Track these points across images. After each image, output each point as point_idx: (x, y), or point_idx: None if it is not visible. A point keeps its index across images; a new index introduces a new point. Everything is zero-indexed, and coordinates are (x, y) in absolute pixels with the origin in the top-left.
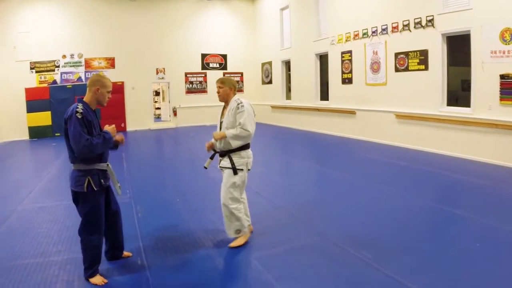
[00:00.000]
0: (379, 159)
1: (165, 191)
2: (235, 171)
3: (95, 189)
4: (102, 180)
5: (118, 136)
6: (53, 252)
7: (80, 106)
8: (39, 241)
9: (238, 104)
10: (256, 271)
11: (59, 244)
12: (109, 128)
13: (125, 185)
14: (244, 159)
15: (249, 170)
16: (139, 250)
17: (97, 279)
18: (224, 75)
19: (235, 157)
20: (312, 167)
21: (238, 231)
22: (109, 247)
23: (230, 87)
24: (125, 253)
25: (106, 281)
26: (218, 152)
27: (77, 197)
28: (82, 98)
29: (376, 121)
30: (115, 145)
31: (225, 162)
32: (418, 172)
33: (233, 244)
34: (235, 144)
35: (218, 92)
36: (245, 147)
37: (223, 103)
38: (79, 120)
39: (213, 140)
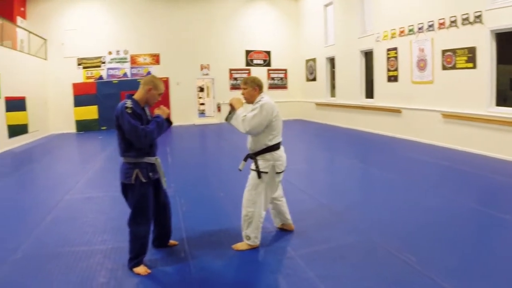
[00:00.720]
0: (424, 159)
1: (209, 185)
2: (259, 174)
3: (143, 181)
4: (150, 173)
5: (161, 111)
6: (98, 241)
7: (128, 102)
8: (85, 230)
9: (257, 101)
10: (299, 269)
11: (104, 233)
12: (159, 110)
13: (169, 179)
14: (269, 162)
15: (279, 172)
16: (183, 243)
17: (141, 269)
18: (268, 71)
19: (260, 160)
20: (356, 166)
21: (247, 238)
22: (156, 235)
23: (254, 87)
24: (171, 241)
25: (149, 271)
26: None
27: (126, 189)
28: (132, 94)
29: (421, 120)
30: (169, 122)
31: (252, 165)
32: (463, 174)
33: (236, 246)
34: (229, 120)
35: (242, 94)
36: (271, 148)
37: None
38: (130, 114)
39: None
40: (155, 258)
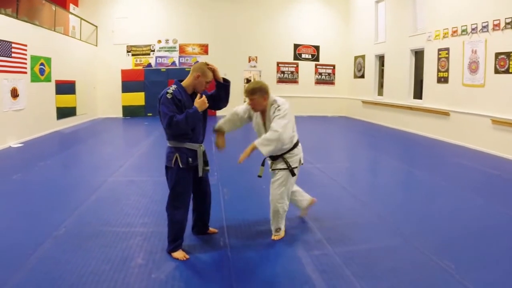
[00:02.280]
0: (471, 165)
1: (252, 176)
2: (292, 172)
3: (181, 166)
4: (190, 159)
5: (197, 103)
6: (139, 224)
7: (172, 87)
8: (126, 212)
9: (276, 107)
10: (336, 266)
11: (146, 216)
12: (197, 102)
13: (213, 167)
14: (297, 156)
15: (302, 164)
16: (223, 231)
17: (179, 254)
18: (316, 66)
19: (290, 158)
20: (400, 167)
21: (278, 230)
22: (195, 222)
23: (263, 95)
24: (211, 229)
25: (187, 256)
26: (266, 157)
27: (167, 172)
28: (181, 81)
29: (470, 125)
30: (203, 113)
31: (280, 164)
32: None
33: (274, 237)
34: (266, 150)
35: (251, 105)
36: (296, 144)
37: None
38: (169, 99)
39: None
40: (194, 245)
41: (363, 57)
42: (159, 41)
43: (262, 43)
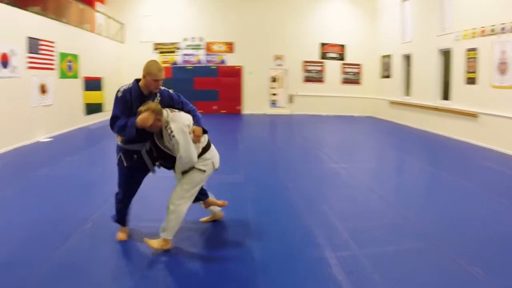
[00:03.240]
0: (501, 169)
1: (277, 175)
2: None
3: (125, 165)
4: (135, 156)
5: (139, 118)
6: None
7: (126, 85)
8: (154, 207)
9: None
10: (363, 268)
11: None
12: (139, 117)
13: (239, 166)
14: (208, 160)
15: (216, 169)
16: (249, 229)
17: (119, 234)
18: (342, 66)
19: (200, 162)
20: (427, 169)
21: (164, 232)
22: None
23: (158, 117)
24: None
25: (124, 239)
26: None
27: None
28: (139, 79)
29: (500, 127)
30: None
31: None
32: None
33: (149, 240)
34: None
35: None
36: (205, 148)
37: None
38: (118, 98)
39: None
40: (217, 241)
41: (389, 56)
42: (185, 39)
43: (288, 42)
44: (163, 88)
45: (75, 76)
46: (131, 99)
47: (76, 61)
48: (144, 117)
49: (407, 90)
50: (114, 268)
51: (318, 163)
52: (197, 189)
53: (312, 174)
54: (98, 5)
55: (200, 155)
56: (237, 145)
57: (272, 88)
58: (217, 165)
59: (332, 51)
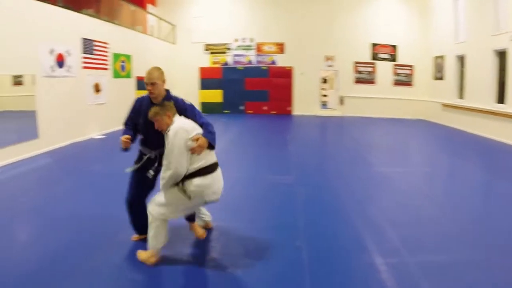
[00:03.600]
0: None
1: (327, 177)
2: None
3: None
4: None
5: (150, 111)
6: (217, 218)
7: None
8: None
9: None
10: (413, 276)
11: (223, 211)
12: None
13: (289, 167)
14: (198, 189)
15: (206, 202)
16: (298, 232)
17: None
18: (394, 66)
19: (188, 185)
20: (483, 176)
21: (148, 243)
22: None
23: (167, 113)
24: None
25: (134, 238)
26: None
27: None
28: None
29: None
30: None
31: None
32: None
33: (140, 251)
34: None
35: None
36: (203, 171)
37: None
38: (132, 104)
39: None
40: (268, 244)
41: (442, 57)
42: (236, 40)
43: (339, 42)
44: (180, 98)
45: (128, 76)
46: (140, 108)
47: (129, 62)
48: (153, 108)
49: (461, 92)
50: (165, 260)
51: (369, 166)
52: (179, 210)
53: (363, 177)
54: (149, 7)
55: (190, 176)
56: (287, 146)
57: (323, 89)
58: (211, 197)
59: (384, 51)
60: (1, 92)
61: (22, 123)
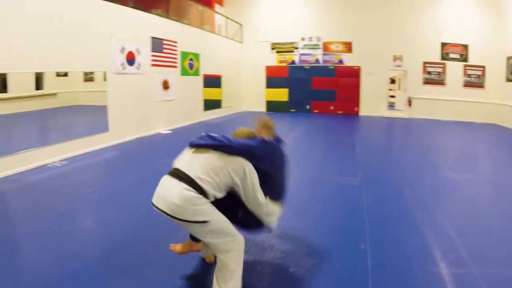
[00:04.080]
0: None
1: (394, 180)
2: None
3: None
4: None
5: None
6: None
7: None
8: None
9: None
10: None
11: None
12: None
13: (355, 169)
14: None
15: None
16: (363, 234)
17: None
18: (464, 67)
19: None
20: None
21: None
22: None
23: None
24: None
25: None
26: None
27: None
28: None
29: None
30: None
31: None
32: None
33: None
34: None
35: None
36: None
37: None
38: None
39: None
40: (331, 247)
41: None
42: (303, 39)
43: (408, 42)
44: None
45: (196, 74)
46: None
47: (197, 60)
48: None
49: None
50: None
51: (437, 171)
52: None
53: (430, 182)
54: (217, 7)
55: None
56: (354, 147)
57: (391, 89)
58: (153, 200)
59: (454, 51)
60: (74, 88)
61: (93, 117)
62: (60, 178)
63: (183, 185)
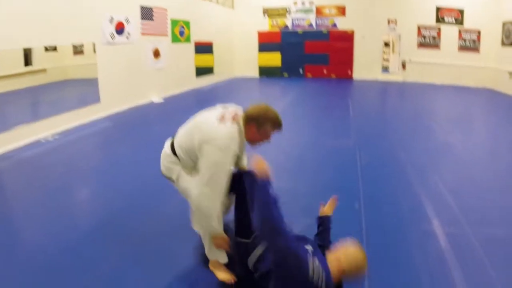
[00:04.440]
0: None
1: (388, 142)
2: None
3: None
4: None
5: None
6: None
7: None
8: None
9: None
10: (472, 248)
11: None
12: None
13: (349, 131)
14: None
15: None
16: (357, 194)
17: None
18: (460, 31)
19: None
20: None
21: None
22: None
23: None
24: None
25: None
26: None
27: None
28: None
29: None
30: None
31: None
32: None
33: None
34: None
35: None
36: None
37: None
38: None
39: None
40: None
41: None
42: (295, 3)
43: (402, 5)
44: None
45: (187, 41)
46: None
47: (187, 27)
48: None
49: None
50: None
51: (431, 133)
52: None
53: (425, 145)
54: None
55: None
56: (349, 111)
57: (384, 53)
58: None
59: (449, 15)
60: (64, 62)
61: (85, 90)
62: (54, 152)
63: (167, 148)
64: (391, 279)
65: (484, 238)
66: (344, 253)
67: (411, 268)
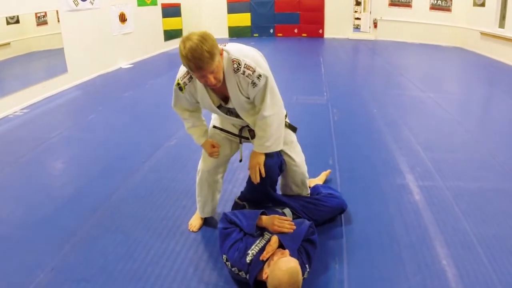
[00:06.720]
0: None
1: (361, 99)
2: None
3: None
4: None
5: None
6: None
7: None
8: None
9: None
10: (445, 200)
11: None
12: None
13: (322, 88)
14: None
15: None
16: (331, 150)
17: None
18: None
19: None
20: None
21: None
22: None
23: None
24: None
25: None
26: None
27: None
28: None
29: None
30: None
31: None
32: None
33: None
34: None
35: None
36: None
37: None
38: None
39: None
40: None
41: None
42: None
43: None
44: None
45: (153, 3)
46: None
47: None
48: None
49: (502, 21)
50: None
51: (403, 90)
52: None
53: (397, 101)
54: None
55: None
56: (320, 69)
57: (356, 12)
58: None
59: None
60: (28, 34)
61: (50, 62)
62: (23, 126)
63: None
64: (367, 230)
65: (457, 191)
66: (271, 270)
67: (386, 220)
